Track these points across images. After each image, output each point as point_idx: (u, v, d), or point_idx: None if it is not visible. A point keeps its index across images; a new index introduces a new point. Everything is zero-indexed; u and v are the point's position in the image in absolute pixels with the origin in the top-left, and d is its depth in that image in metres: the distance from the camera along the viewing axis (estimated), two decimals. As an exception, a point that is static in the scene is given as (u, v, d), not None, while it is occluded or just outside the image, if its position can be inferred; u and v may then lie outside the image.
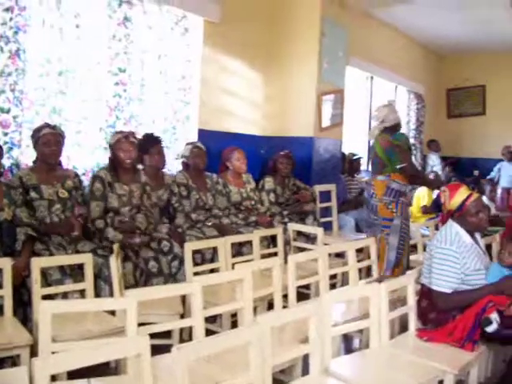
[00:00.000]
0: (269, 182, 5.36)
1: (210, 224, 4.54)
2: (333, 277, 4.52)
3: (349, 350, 3.76)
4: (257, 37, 5.99)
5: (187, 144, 4.86)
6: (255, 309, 3.39)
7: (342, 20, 6.25)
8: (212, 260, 4.08)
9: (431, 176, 7.26)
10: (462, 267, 3.04)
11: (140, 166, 4.29)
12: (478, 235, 3.30)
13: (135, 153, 4.01)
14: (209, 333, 2.71)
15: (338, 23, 6.16)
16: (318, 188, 5.81)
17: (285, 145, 5.77)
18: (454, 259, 3.03)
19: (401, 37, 8.86)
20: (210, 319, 3.47)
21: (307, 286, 4.18)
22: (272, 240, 4.58)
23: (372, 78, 8.30)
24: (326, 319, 2.45)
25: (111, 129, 4.45)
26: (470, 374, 2.96)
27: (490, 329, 2.85)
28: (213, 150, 5.01)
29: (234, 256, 3.99)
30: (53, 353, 2.16)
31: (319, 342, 2.36)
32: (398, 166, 4.53)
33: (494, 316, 2.86)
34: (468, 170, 9.79)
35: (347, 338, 3.90)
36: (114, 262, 3.02)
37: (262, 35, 6.04)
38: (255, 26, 5.96)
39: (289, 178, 5.54)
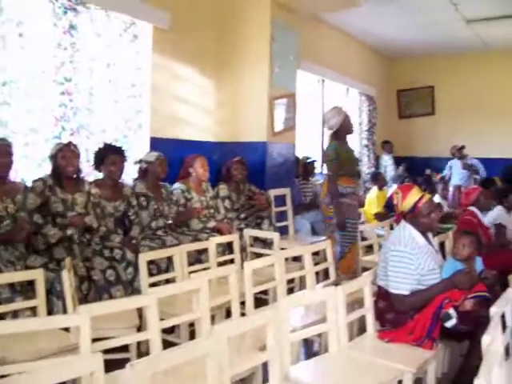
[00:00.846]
0: (223, 189, 5.33)
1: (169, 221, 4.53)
2: (290, 281, 4.52)
3: (310, 354, 3.75)
4: (207, 43, 5.96)
5: (150, 151, 4.83)
6: (213, 317, 3.36)
7: (292, 24, 6.28)
8: (167, 269, 4.02)
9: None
10: (417, 268, 3.07)
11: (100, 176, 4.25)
12: (430, 235, 3.34)
13: (77, 161, 3.98)
14: (167, 344, 2.66)
15: (288, 27, 6.18)
16: (273, 192, 5.82)
17: (238, 150, 5.76)
18: (409, 261, 3.06)
19: (351, 40, 8.98)
20: (168, 330, 3.41)
21: (266, 292, 4.17)
22: (228, 247, 4.54)
23: (323, 81, 8.36)
24: (284, 325, 2.44)
25: (57, 140, 4.34)
26: (427, 372, 3.00)
27: (450, 324, 2.89)
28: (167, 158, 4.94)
29: (192, 264, 3.95)
30: (1, 376, 2.07)
31: (277, 348, 2.34)
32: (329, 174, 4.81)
33: (452, 311, 2.90)
34: (420, 169, 9.96)
35: (308, 343, 3.90)
36: (67, 277, 2.94)
37: (212, 41, 6.02)
38: (205, 32, 5.94)
39: (243, 184, 5.52)
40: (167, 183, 4.88)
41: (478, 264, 3.36)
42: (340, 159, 4.71)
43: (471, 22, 7.79)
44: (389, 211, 3.47)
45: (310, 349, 3.88)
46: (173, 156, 5.05)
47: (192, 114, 5.83)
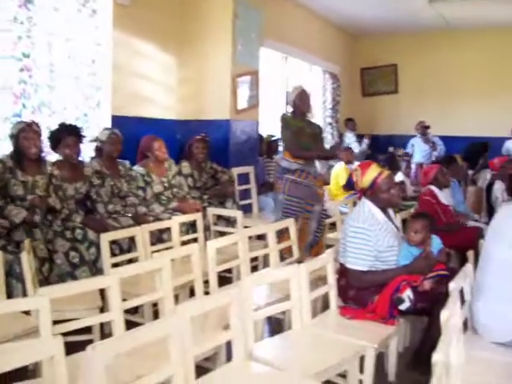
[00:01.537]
0: (186, 167, 5.29)
1: (128, 215, 4.44)
2: (255, 259, 4.53)
3: (275, 332, 3.77)
4: (169, 19, 5.85)
5: (104, 129, 4.71)
6: (177, 297, 3.35)
7: (255, 1, 6.20)
8: (130, 250, 3.98)
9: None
10: (375, 244, 3.11)
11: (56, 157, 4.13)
12: (391, 211, 3.37)
13: (39, 142, 3.86)
14: (131, 324, 2.64)
15: (251, 4, 6.11)
16: (236, 171, 5.80)
17: (201, 128, 5.71)
18: (367, 237, 3.09)
19: (315, 18, 8.93)
20: (132, 310, 3.39)
21: (230, 270, 4.17)
22: (192, 226, 4.51)
23: (287, 58, 8.32)
24: (247, 304, 2.44)
25: (17, 118, 4.22)
26: (389, 346, 3.05)
27: (404, 307, 2.95)
28: (128, 136, 4.86)
29: (154, 244, 3.91)
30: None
31: (241, 327, 2.34)
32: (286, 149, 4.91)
33: (408, 293, 2.95)
34: (383, 146, 10.05)
35: (273, 321, 3.92)
36: (26, 259, 2.88)
37: (174, 18, 5.91)
38: (167, 9, 5.82)
39: (205, 162, 5.48)
40: (127, 161, 4.80)
41: (436, 243, 3.35)
42: (290, 132, 4.81)
43: (434, 1, 7.82)
44: (350, 189, 3.47)
45: (275, 327, 3.91)
46: (135, 134, 4.98)
47: (154, 91, 5.74)
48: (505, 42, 9.55)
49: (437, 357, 1.78)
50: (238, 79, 5.96)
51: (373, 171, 3.25)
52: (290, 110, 5.03)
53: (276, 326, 3.90)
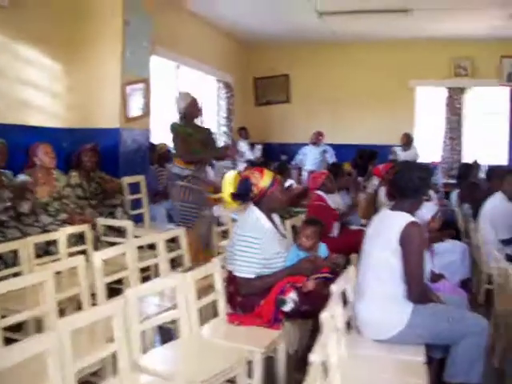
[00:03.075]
0: (75, 177, 5.14)
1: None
2: (147, 269, 4.47)
3: (168, 341, 3.73)
4: (56, 24, 5.62)
5: None
6: (63, 311, 3.24)
7: (147, 9, 6.15)
8: (15, 264, 3.80)
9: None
10: (263, 252, 3.16)
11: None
12: (276, 218, 3.44)
13: None
14: (12, 342, 2.51)
15: (142, 12, 6.05)
16: (127, 180, 5.70)
17: (90, 137, 5.57)
18: (255, 245, 3.14)
19: (208, 27, 8.99)
20: (15, 328, 3.23)
21: (121, 281, 4.09)
22: (81, 237, 4.38)
23: (179, 67, 8.31)
24: (132, 315, 2.41)
25: None
26: (277, 350, 3.11)
27: (287, 308, 3.02)
28: (12, 145, 4.65)
29: (40, 256, 3.76)
30: None
31: (125, 339, 2.31)
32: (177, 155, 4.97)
33: (291, 296, 3.02)
34: (276, 154, 10.29)
35: (165, 330, 3.88)
36: None
37: (61, 22, 5.69)
38: (54, 13, 5.59)
39: (94, 172, 5.35)
40: (9, 171, 4.58)
41: (323, 250, 3.48)
42: (180, 139, 4.89)
43: (323, 14, 8.09)
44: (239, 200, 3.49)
45: (167, 336, 3.87)
46: (17, 143, 4.76)
47: (40, 98, 5.50)
48: (387, 57, 10.11)
49: (313, 358, 1.84)
50: (127, 87, 5.87)
51: (267, 177, 3.31)
52: (179, 116, 5.11)
53: (168, 335, 3.86)
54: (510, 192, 4.95)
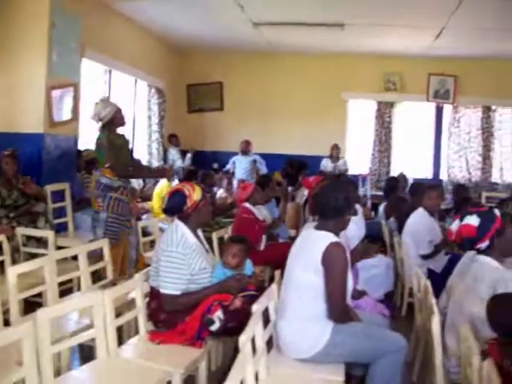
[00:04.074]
0: (-7, 185, 4.89)
1: None
2: (70, 281, 4.30)
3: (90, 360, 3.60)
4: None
5: None
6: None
7: (75, 10, 5.96)
8: None
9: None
10: (189, 268, 3.11)
11: None
12: (200, 233, 3.39)
13: None
14: None
15: (70, 13, 5.87)
16: (50, 188, 5.49)
17: (11, 142, 5.34)
18: (180, 261, 3.08)
19: (140, 31, 8.79)
20: None
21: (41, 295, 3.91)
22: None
23: (111, 71, 8.11)
24: (43, 338, 2.29)
25: None
26: (198, 369, 3.05)
27: (214, 328, 2.96)
28: None
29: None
30: None
31: (35, 362, 2.19)
32: (106, 165, 4.68)
33: (218, 314, 2.96)
34: (209, 162, 10.22)
35: (86, 347, 3.73)
36: None
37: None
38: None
39: (16, 179, 5.10)
40: None
41: (248, 267, 3.44)
42: (114, 151, 4.68)
43: (257, 24, 8.11)
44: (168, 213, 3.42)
45: (90, 353, 3.72)
46: None
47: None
48: (321, 69, 10.26)
49: (230, 377, 1.80)
50: (54, 91, 5.67)
51: (198, 190, 3.25)
52: (98, 124, 4.81)
53: (90, 351, 3.72)
54: (430, 207, 5.07)
